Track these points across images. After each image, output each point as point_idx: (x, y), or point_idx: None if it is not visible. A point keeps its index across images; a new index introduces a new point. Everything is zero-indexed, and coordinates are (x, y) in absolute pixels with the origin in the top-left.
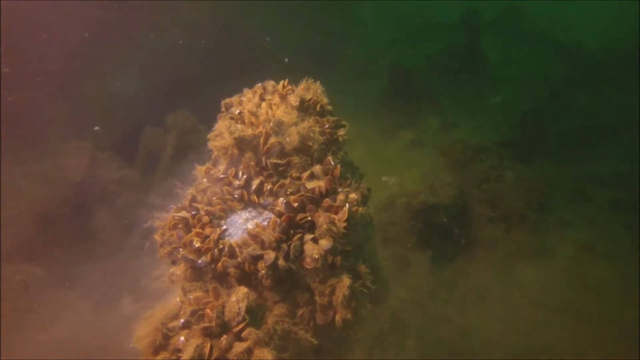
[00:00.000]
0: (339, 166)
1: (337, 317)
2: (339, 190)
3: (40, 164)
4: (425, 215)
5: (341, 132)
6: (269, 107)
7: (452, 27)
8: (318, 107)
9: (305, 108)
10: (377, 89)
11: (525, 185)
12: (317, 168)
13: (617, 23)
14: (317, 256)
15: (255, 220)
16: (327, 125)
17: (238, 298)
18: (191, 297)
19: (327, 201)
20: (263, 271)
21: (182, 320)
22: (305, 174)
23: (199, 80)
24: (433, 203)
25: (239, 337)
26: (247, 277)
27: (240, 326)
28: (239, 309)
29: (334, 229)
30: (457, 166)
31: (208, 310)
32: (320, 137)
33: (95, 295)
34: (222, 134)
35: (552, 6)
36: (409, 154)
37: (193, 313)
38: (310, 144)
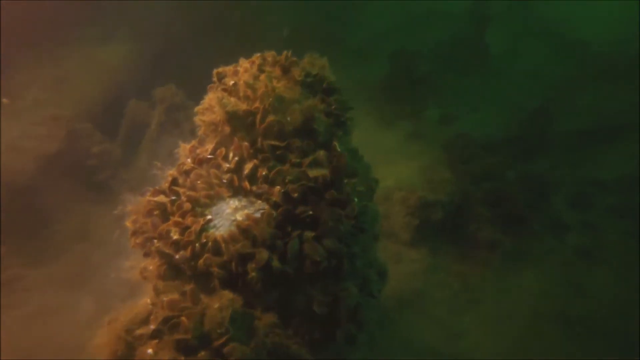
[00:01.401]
0: (345, 154)
1: (339, 333)
2: (345, 181)
3: (14, 132)
4: (422, 211)
5: (349, 114)
6: (268, 80)
7: (458, 16)
8: (325, 84)
9: (310, 84)
10: (377, 76)
11: (527, 186)
12: (321, 154)
13: (624, 23)
14: (319, 259)
15: (245, 211)
16: (334, 106)
17: (222, 305)
18: (164, 299)
19: (331, 193)
20: (253, 274)
21: (151, 328)
22: (307, 160)
23: (190, 53)
24: (431, 199)
25: (220, 354)
26: (233, 280)
27: (223, 340)
28: (221, 318)
29: (341, 226)
30: (458, 162)
31: (184, 319)
32: (326, 118)
33: (55, 287)
34: (212, 107)
35: (560, 3)
36: (407, 146)
37: (166, 320)
38: (315, 126)
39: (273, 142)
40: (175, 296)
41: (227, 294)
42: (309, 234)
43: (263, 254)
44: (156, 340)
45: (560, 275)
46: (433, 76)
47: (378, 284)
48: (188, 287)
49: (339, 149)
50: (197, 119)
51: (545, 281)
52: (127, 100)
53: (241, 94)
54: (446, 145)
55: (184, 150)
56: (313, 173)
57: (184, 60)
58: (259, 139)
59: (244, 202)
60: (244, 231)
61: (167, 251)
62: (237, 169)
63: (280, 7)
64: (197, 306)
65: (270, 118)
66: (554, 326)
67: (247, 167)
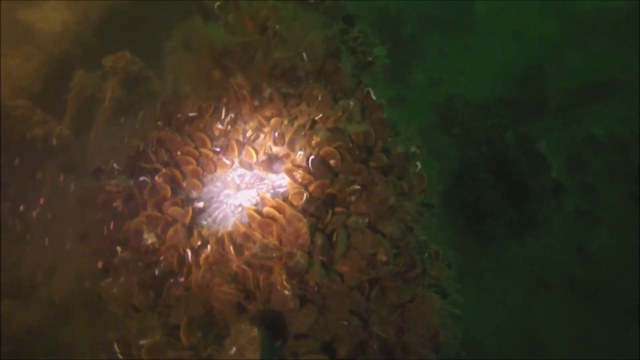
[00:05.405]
0: (382, 103)
1: None
2: (390, 139)
3: None
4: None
5: (378, 52)
6: None
7: None
8: (343, 12)
9: (325, 10)
10: None
11: (525, 149)
12: (351, 104)
13: None
14: (385, 258)
15: (255, 192)
16: (359, 40)
17: (242, 348)
18: (143, 343)
19: (380, 158)
20: (287, 290)
21: None
22: (337, 113)
23: (144, 14)
24: (430, 170)
25: None
26: (252, 300)
27: None
28: None
29: (409, 205)
30: (454, 126)
31: None
32: (350, 55)
33: None
34: (190, 43)
35: None
36: (394, 112)
37: None
38: (342, 65)
39: (285, 89)
40: (159, 338)
41: (249, 329)
42: (360, 219)
43: (299, 258)
44: None
45: (563, 240)
46: (416, 38)
47: (457, 284)
48: (182, 321)
49: (374, 97)
50: (167, 62)
51: (549, 248)
52: (73, 71)
53: (231, 20)
54: (440, 109)
55: (153, 111)
56: (353, 129)
57: (139, 23)
58: (264, 86)
59: (249, 177)
60: (263, 224)
61: (139, 263)
62: (235, 130)
63: None
64: (199, 354)
65: (279, 54)
66: (559, 292)
67: (250, 127)
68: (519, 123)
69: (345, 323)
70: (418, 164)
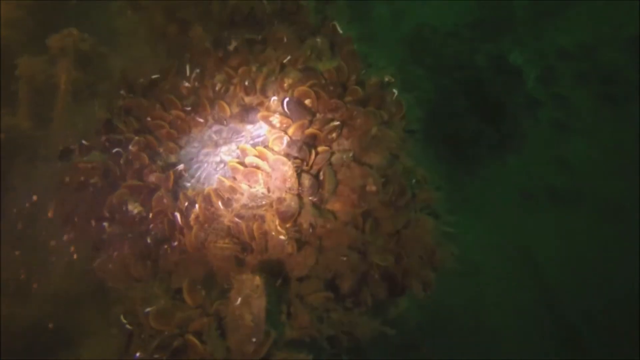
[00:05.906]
0: (350, 36)
1: (414, 282)
2: (363, 71)
3: None
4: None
5: None
6: None
7: None
8: None
9: None
10: None
11: (497, 67)
12: (319, 41)
13: None
14: (374, 187)
15: (234, 145)
16: None
17: (245, 299)
18: (148, 310)
19: (355, 91)
20: (282, 235)
21: (137, 356)
22: (306, 51)
23: None
24: (407, 98)
25: None
26: (248, 251)
27: (264, 350)
28: (254, 318)
29: (391, 133)
30: (425, 55)
31: (191, 337)
32: None
33: None
34: (136, 2)
35: None
36: (360, 49)
37: (162, 346)
38: (302, 1)
39: (249, 35)
40: (164, 302)
41: (250, 278)
42: (344, 154)
43: (289, 201)
44: None
45: (542, 152)
46: None
47: (447, 205)
48: (183, 283)
49: (341, 31)
50: (118, 25)
51: (529, 161)
52: (15, 58)
53: None
54: (408, 41)
55: (112, 80)
56: (324, 66)
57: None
58: (225, 34)
59: (225, 132)
60: (248, 174)
61: (129, 234)
62: (203, 86)
63: None
64: (206, 310)
65: None
66: (543, 203)
67: (218, 80)
68: (488, 43)
69: (345, 258)
70: (395, 91)
